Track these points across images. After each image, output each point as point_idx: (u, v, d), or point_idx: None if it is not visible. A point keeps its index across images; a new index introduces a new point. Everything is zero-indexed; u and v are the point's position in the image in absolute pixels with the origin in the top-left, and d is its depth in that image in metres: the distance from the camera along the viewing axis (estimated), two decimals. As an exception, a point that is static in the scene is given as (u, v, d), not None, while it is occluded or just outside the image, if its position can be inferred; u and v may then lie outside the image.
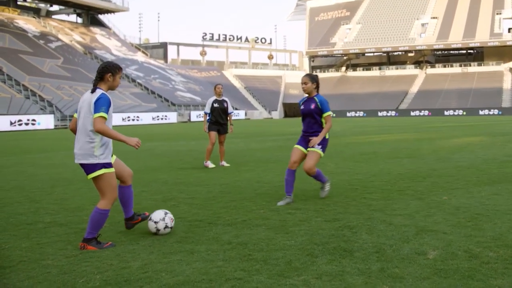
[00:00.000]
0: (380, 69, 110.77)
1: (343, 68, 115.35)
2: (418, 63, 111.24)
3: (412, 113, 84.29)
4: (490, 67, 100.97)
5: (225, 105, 14.57)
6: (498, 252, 5.38)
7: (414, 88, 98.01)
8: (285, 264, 5.19)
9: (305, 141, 8.71)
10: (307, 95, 8.73)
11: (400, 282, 4.52)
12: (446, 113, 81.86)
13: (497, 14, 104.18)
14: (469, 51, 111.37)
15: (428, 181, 10.75)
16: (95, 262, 5.44)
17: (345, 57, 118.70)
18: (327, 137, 8.66)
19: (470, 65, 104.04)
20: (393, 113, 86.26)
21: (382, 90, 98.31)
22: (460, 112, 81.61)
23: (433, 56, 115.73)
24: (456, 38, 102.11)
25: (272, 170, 13.25)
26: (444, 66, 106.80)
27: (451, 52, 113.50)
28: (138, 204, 8.44)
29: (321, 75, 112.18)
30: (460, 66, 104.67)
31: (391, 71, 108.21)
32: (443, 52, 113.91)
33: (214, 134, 14.41)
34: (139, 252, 5.81)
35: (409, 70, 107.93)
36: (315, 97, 8.61)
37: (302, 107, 8.71)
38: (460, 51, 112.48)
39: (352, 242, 5.95)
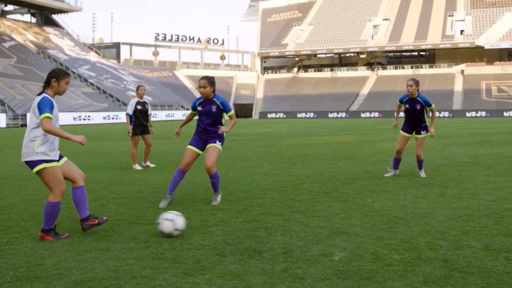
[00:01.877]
0: (331, 70, 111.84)
1: (295, 69, 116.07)
2: (369, 65, 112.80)
3: (363, 115, 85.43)
4: (441, 69, 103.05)
5: (146, 107, 14.82)
6: (403, 254, 5.60)
7: (365, 90, 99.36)
8: (193, 263, 5.36)
9: (200, 142, 8.93)
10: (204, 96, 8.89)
11: (298, 283, 4.70)
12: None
13: (449, 16, 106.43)
14: (421, 53, 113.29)
15: (358, 183, 11.03)
16: (12, 259, 5.60)
17: (296, 58, 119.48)
18: (224, 135, 9.09)
19: (421, 67, 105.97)
20: (343, 114, 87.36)
21: (333, 91, 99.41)
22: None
23: (385, 58, 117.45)
24: (408, 40, 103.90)
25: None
26: (396, 68, 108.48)
27: (403, 54, 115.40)
28: (67, 204, 8.46)
29: (272, 76, 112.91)
30: (412, 68, 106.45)
31: (343, 73, 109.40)
32: (395, 53, 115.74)
33: (137, 137, 14.72)
34: (56, 249, 5.98)
35: (361, 71, 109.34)
36: (214, 99, 8.85)
37: (200, 108, 8.88)
38: (412, 53, 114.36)
39: (264, 243, 6.13)
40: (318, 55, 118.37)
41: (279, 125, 53.12)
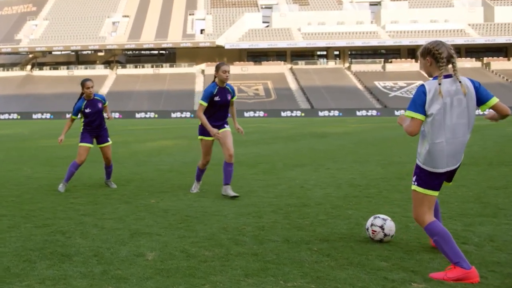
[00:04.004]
0: (68, 68, 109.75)
1: (29, 67, 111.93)
2: (108, 63, 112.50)
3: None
4: (182, 69, 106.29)
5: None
6: (213, 251, 5.95)
7: (104, 89, 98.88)
8: (4, 270, 5.27)
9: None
10: None
11: (125, 283, 4.83)
12: (137, 115, 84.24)
13: (190, 14, 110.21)
14: (161, 51, 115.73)
15: (132, 185, 11.27)
16: None
17: (30, 55, 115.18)
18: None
19: (162, 66, 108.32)
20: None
21: (71, 91, 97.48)
22: (152, 114, 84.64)
23: (124, 56, 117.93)
24: (148, 38, 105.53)
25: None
26: (136, 67, 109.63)
27: (143, 52, 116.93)
28: None
29: (4, 74, 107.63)
30: (152, 67, 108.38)
31: (80, 71, 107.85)
32: (134, 52, 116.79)
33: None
34: None
35: (99, 70, 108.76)
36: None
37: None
38: (152, 52, 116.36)
39: (68, 247, 6.13)
40: (54, 52, 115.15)
41: (15, 126, 51.14)
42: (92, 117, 10.79)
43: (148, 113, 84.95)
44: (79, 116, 10.83)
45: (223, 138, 9.61)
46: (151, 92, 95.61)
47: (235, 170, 12.64)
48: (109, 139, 11.11)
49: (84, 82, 10.71)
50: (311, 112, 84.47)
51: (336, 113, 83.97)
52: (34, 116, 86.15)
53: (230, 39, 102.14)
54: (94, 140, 11.06)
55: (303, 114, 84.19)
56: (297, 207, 8.61)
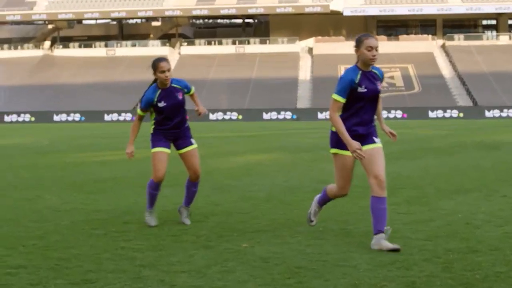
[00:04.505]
0: (107, 46, 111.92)
1: (47, 44, 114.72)
2: (167, 38, 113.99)
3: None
4: (279, 46, 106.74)
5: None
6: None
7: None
8: None
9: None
10: None
11: None
12: (212, 116, 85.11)
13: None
14: (247, 20, 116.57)
15: (212, 220, 11.36)
16: None
17: (50, 26, 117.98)
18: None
19: (248, 43, 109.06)
20: (128, 116, 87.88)
21: (111, 80, 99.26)
22: (234, 115, 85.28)
23: (192, 28, 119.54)
24: (227, 0, 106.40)
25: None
26: (209, 44, 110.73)
27: (220, 22, 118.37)
28: None
29: (11, 53, 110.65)
30: (234, 43, 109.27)
31: (125, 50, 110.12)
32: (207, 21, 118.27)
33: None
34: None
35: (154, 48, 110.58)
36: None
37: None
38: (234, 21, 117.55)
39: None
40: (85, 22, 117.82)
41: (28, 133, 52.53)
42: (168, 113, 10.98)
43: (228, 113, 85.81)
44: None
45: (368, 158, 9.05)
46: (232, 81, 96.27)
47: (363, 198, 12.58)
48: (193, 140, 11.34)
49: (156, 63, 10.79)
50: (474, 112, 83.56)
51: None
52: (56, 118, 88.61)
53: (350, 2, 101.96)
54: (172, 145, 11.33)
55: (461, 115, 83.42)
56: (462, 254, 8.53)
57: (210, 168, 20.91)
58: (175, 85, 10.97)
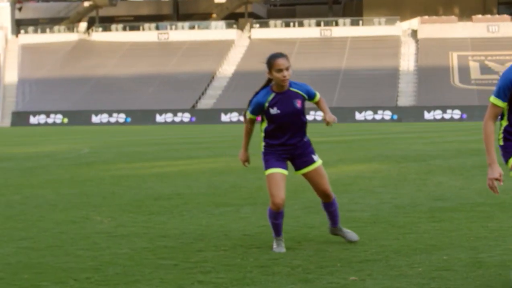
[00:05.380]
0: (158, 28, 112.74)
1: (83, 26, 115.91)
2: (234, 19, 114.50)
3: (224, 117, 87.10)
4: (374, 28, 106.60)
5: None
6: None
7: (229, 67, 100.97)
8: None
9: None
10: None
11: None
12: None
13: None
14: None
15: (309, 247, 11.39)
16: None
17: (87, 3, 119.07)
18: None
19: (336, 24, 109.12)
20: (186, 117, 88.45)
21: (164, 71, 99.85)
22: (319, 115, 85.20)
23: (264, 6, 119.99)
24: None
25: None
26: (286, 25, 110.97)
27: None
28: None
29: (37, 38, 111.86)
30: (318, 25, 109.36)
31: (182, 33, 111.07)
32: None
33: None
34: None
35: (218, 31, 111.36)
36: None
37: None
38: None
39: None
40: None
41: (61, 137, 53.20)
42: (281, 123, 11.06)
43: (312, 112, 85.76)
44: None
45: None
46: (316, 72, 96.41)
47: (491, 219, 12.50)
48: (315, 157, 11.33)
49: (272, 60, 10.76)
50: None
51: None
52: (94, 119, 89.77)
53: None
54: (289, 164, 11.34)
55: None
56: None
57: (298, 182, 20.96)
58: (294, 89, 10.94)
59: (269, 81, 10.92)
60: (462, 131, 55.88)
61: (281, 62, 10.59)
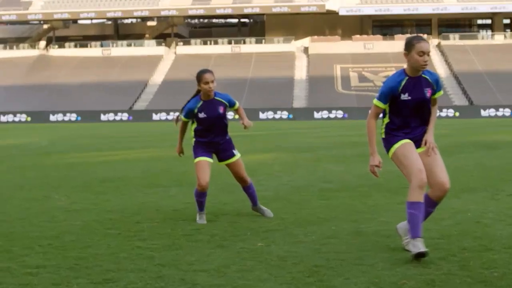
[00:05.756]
0: (102, 46, 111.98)
1: (43, 44, 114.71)
2: (163, 38, 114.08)
3: (155, 117, 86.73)
4: (275, 46, 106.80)
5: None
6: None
7: (157, 77, 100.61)
8: None
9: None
10: None
11: None
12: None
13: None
14: (243, 20, 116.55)
15: (223, 220, 11.49)
16: None
17: (46, 26, 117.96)
18: None
19: (244, 42, 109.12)
20: (125, 116, 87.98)
21: (107, 80, 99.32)
22: (231, 115, 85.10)
23: (187, 28, 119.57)
24: (223, 0, 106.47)
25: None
26: (205, 43, 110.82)
27: (216, 21, 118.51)
28: None
29: (7, 53, 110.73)
30: (230, 43, 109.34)
31: (121, 49, 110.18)
32: (202, 21, 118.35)
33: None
34: None
35: (150, 48, 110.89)
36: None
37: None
38: (229, 21, 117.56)
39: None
40: (81, 21, 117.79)
41: (25, 133, 52.68)
42: (208, 125, 11.45)
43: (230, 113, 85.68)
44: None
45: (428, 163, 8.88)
46: (227, 80, 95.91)
47: (369, 197, 12.62)
48: (235, 151, 11.81)
49: (201, 75, 11.24)
50: (470, 111, 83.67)
51: (508, 112, 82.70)
52: (52, 118, 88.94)
53: (346, 2, 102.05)
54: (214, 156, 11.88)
55: (457, 114, 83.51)
56: (477, 252, 8.59)
57: (213, 168, 20.98)
58: (218, 98, 11.47)
59: (198, 91, 11.36)
60: (344, 128, 56.31)
61: (207, 76, 11.10)
